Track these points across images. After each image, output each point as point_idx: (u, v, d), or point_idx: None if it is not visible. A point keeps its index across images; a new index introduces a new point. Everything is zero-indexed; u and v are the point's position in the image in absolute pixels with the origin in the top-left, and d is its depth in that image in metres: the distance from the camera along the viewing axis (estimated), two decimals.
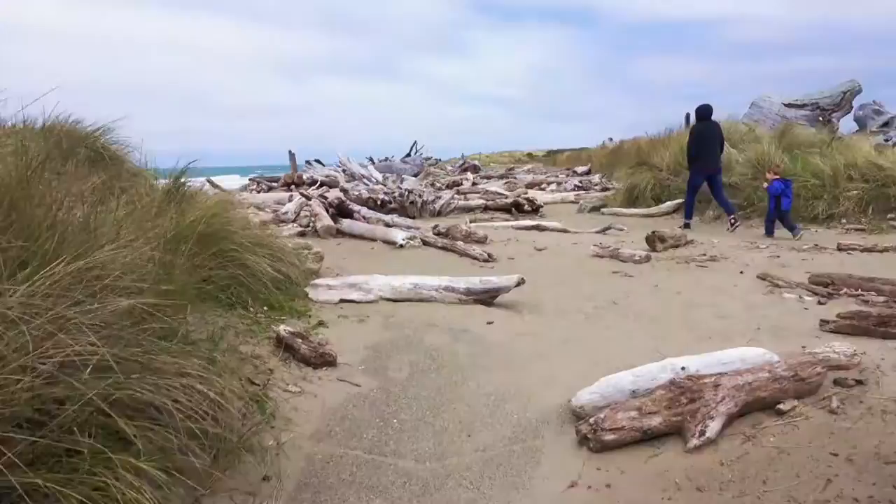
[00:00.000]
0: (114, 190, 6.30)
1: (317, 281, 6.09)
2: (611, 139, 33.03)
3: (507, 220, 12.58)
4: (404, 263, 8.22)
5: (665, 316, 5.28)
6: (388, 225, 10.81)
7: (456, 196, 13.10)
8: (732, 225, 10.65)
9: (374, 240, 10.00)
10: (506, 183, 20.84)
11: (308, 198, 13.13)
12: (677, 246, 8.48)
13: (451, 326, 5.11)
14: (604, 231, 10.22)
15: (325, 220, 10.89)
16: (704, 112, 11.17)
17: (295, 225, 11.51)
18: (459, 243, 8.63)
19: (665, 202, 12.64)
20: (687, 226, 10.94)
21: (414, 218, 12.67)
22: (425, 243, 9.29)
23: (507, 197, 14.60)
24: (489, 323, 5.18)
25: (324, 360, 4.40)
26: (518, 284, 5.68)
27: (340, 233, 10.78)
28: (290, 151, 22.83)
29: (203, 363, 3.08)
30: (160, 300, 3.08)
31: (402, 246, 9.13)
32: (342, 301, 5.87)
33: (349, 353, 4.67)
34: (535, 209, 13.53)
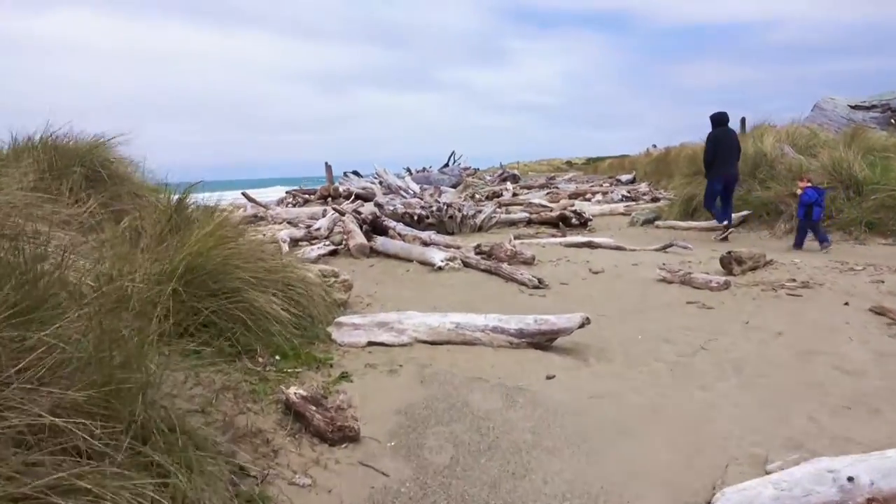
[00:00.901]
0: (106, 216, 5.45)
1: (341, 319, 5.11)
2: (654, 146, 31.58)
3: (553, 235, 11.48)
4: (443, 289, 7.21)
5: (774, 370, 4.14)
6: (425, 243, 9.82)
7: (498, 210, 12.06)
8: (721, 239, 10.34)
9: (410, 260, 9.02)
10: (548, 193, 19.70)
11: (341, 213, 12.25)
12: (756, 268, 7.28)
13: (503, 381, 4.07)
14: (665, 249, 9.05)
15: (358, 238, 9.96)
16: (721, 118, 10.79)
17: (327, 242, 10.62)
18: (504, 266, 7.58)
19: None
20: (727, 228, 10.47)
21: (453, 234, 11.67)
22: (466, 265, 8.26)
23: (552, 210, 13.49)
24: (550, 377, 4.12)
25: (343, 435, 3.41)
26: (582, 325, 4.61)
27: (374, 251, 9.84)
28: (326, 163, 22.11)
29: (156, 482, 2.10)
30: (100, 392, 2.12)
31: (440, 268, 8.12)
32: (370, 344, 4.88)
33: (376, 420, 3.67)
34: (584, 223, 12.39)
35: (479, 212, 11.95)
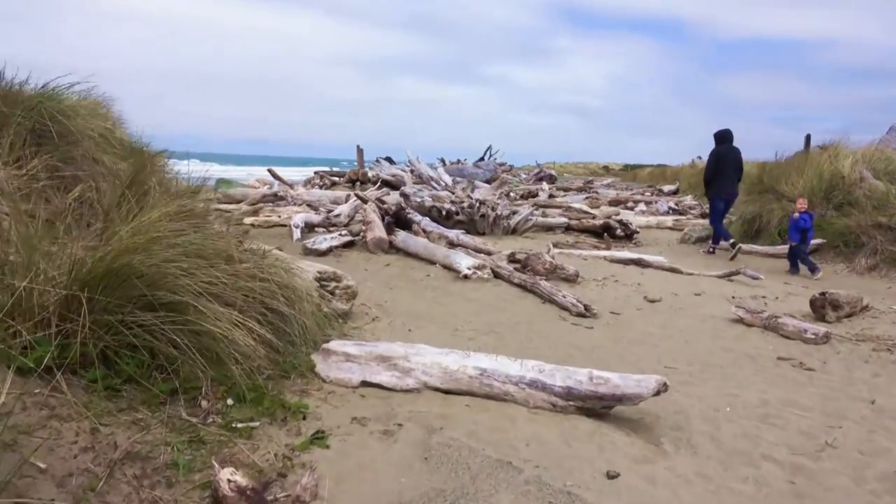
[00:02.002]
0: (54, 182, 4.21)
1: (332, 345, 3.81)
2: (700, 157, 29.71)
3: (596, 246, 10.05)
4: (467, 305, 5.88)
5: None
6: (451, 244, 8.49)
7: (535, 212, 10.69)
8: (708, 253, 10.16)
9: (432, 262, 7.70)
10: (587, 198, 18.20)
11: (364, 200, 10.97)
12: (853, 314, 5.81)
13: (542, 475, 2.73)
14: (730, 277, 7.59)
15: (378, 232, 8.67)
16: (725, 136, 10.35)
17: (344, 231, 9.34)
18: (543, 283, 6.22)
19: None
20: (733, 246, 9.64)
21: (483, 234, 10.32)
22: (496, 275, 6.92)
23: (594, 217, 12.04)
24: (612, 476, 2.76)
25: None
26: (657, 393, 3.23)
27: (394, 247, 8.55)
28: (357, 146, 20.87)
29: None
30: None
31: (466, 277, 6.79)
32: (365, 384, 3.58)
33: None
34: (630, 235, 10.94)
35: (515, 213, 10.58)
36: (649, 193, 22.42)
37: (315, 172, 20.78)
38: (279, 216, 11.40)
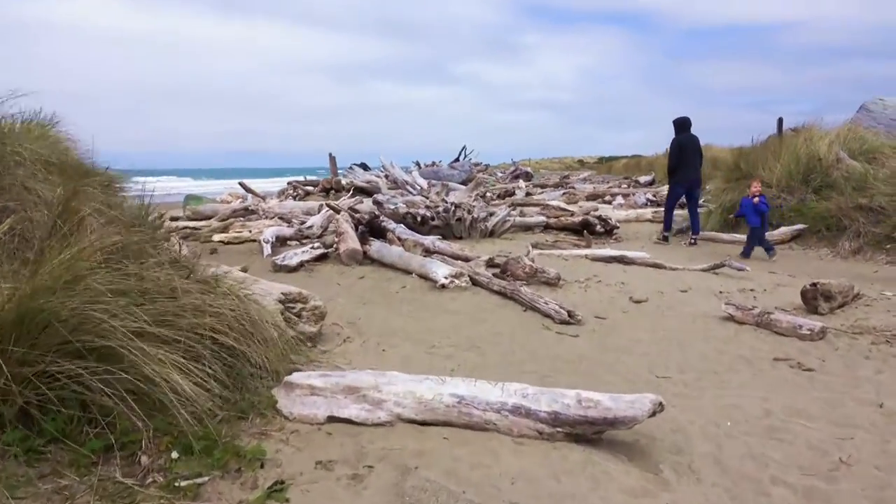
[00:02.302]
0: None
1: (295, 378, 3.44)
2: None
3: (576, 244, 9.76)
4: (446, 318, 5.54)
5: None
6: (428, 251, 8.15)
7: (512, 212, 10.38)
8: (690, 245, 10.05)
9: (408, 272, 7.35)
10: (564, 193, 17.94)
11: (336, 210, 10.58)
12: (845, 304, 5.56)
13: None
14: (715, 269, 7.32)
15: (350, 243, 8.29)
16: (685, 123, 10.34)
17: (317, 244, 8.94)
18: (524, 289, 5.89)
19: (778, 227, 9.62)
20: (665, 238, 10.41)
21: (461, 238, 9.99)
22: (475, 283, 6.59)
23: (572, 213, 11.76)
24: None
25: None
26: (653, 414, 2.91)
27: (369, 257, 8.19)
28: (329, 154, 20.45)
29: None
30: None
31: (443, 286, 6.45)
32: (332, 420, 3.22)
33: None
34: (610, 230, 10.67)
35: (492, 214, 10.25)
36: (626, 185, 22.27)
37: (288, 183, 20.30)
38: (250, 231, 10.97)
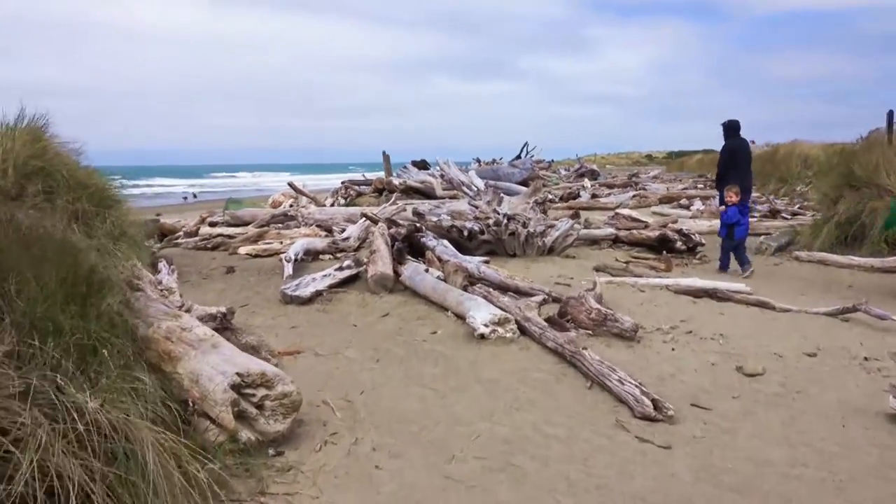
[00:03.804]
0: None
1: None
2: (753, 142, 26.83)
3: (653, 267, 7.90)
4: (476, 394, 3.90)
5: None
6: (471, 277, 6.49)
7: (577, 225, 8.59)
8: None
9: (444, 308, 5.76)
10: (634, 195, 15.91)
11: (374, 221, 9.09)
12: None
13: None
14: (843, 315, 5.38)
15: (380, 266, 6.75)
16: (737, 126, 8.87)
17: (348, 262, 7.42)
18: (589, 354, 4.15)
19: None
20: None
21: (514, 255, 8.30)
22: (523, 331, 4.92)
23: (646, 225, 9.86)
24: None
25: None
26: None
27: (400, 283, 6.64)
28: (383, 153, 19.08)
29: None
30: None
31: (482, 336, 4.82)
32: None
33: None
34: (692, 248, 8.75)
35: (551, 227, 8.50)
36: (702, 186, 19.89)
37: (342, 183, 19.00)
38: (281, 242, 9.63)
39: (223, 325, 4.87)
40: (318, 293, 6.28)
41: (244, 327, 5.11)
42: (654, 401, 3.50)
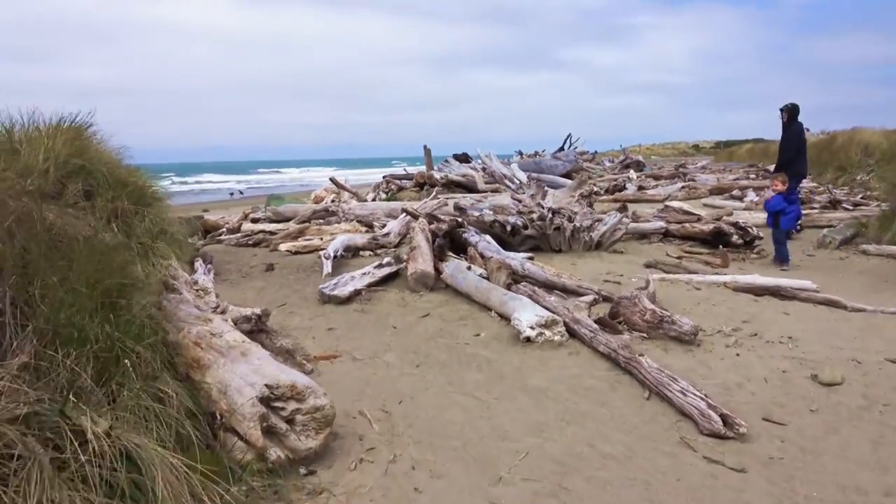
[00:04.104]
0: None
1: None
2: (808, 129, 25.60)
3: (708, 262, 7.43)
4: (524, 405, 3.60)
5: None
6: (514, 275, 6.18)
7: (625, 219, 8.15)
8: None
9: (487, 308, 5.46)
10: (683, 187, 15.26)
11: (414, 216, 8.84)
12: None
13: None
14: None
15: (420, 263, 6.50)
16: (798, 110, 8.57)
17: (388, 259, 7.19)
18: (646, 361, 3.79)
19: None
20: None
21: (559, 251, 7.94)
22: (573, 334, 4.59)
23: (699, 218, 9.34)
24: None
25: None
26: None
27: (442, 281, 6.37)
28: (424, 147, 18.82)
29: None
30: None
31: (528, 339, 4.50)
32: None
33: None
34: (749, 242, 8.21)
35: (598, 222, 8.09)
36: (754, 176, 19.02)
37: (384, 177, 18.83)
38: (322, 238, 9.47)
39: (258, 327, 4.69)
40: (357, 292, 6.05)
41: (280, 329, 4.92)
42: (722, 416, 3.13)
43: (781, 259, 7.39)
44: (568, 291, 5.91)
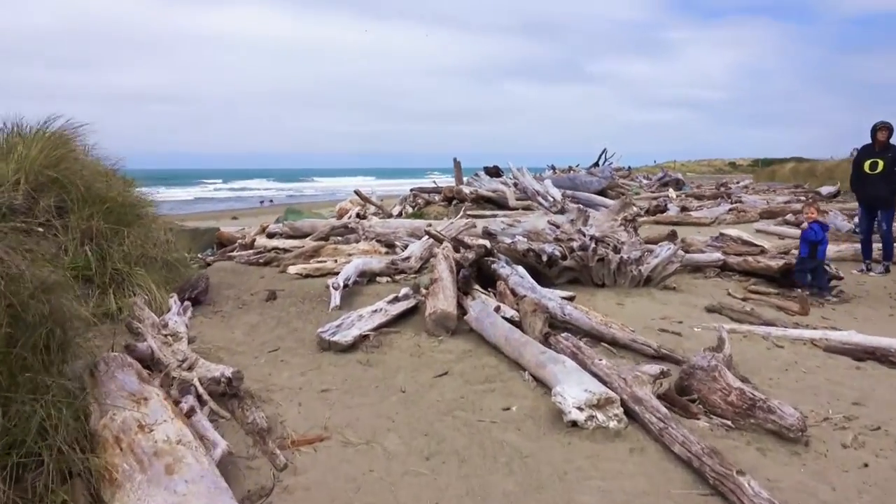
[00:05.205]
0: None
1: None
2: (857, 149, 23.86)
3: (782, 306, 6.16)
4: None
5: None
6: (552, 319, 5.04)
7: (680, 252, 6.92)
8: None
9: (518, 365, 4.34)
10: (731, 209, 13.89)
11: (438, 240, 7.75)
12: None
13: None
14: None
15: (441, 301, 5.40)
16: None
17: (405, 292, 6.11)
18: (746, 485, 2.61)
19: None
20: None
21: (602, 285, 6.78)
22: (632, 417, 3.43)
23: (762, 250, 8.07)
24: None
25: None
26: None
27: (465, 322, 5.26)
28: (454, 159, 17.78)
29: None
30: None
31: (574, 424, 3.36)
32: None
33: None
34: (827, 281, 6.89)
35: (649, 253, 6.89)
36: (804, 197, 17.49)
37: (411, 190, 17.80)
38: (336, 260, 8.43)
39: (229, 390, 3.64)
40: (363, 337, 4.97)
41: (260, 391, 3.86)
42: None
43: (822, 287, 6.65)
44: (618, 345, 4.75)
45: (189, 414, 3.01)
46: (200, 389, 3.54)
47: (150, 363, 3.88)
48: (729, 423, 3.41)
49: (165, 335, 4.19)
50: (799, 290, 6.60)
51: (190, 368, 3.75)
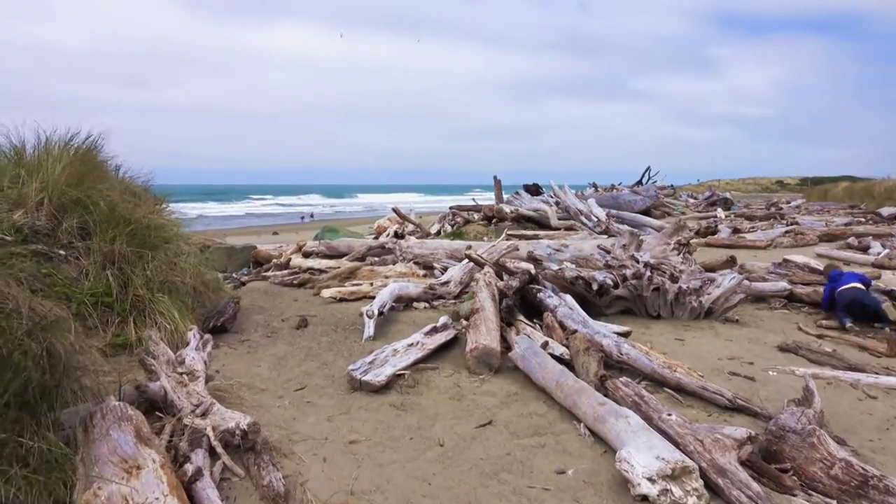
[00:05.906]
0: None
1: None
2: None
3: (861, 345, 5.43)
4: None
5: None
6: (607, 358, 4.47)
7: (745, 282, 6.25)
8: None
9: (571, 414, 3.79)
10: (787, 232, 12.99)
11: (479, 264, 7.25)
12: None
13: None
14: None
15: (483, 336, 4.88)
16: None
17: (443, 322, 5.64)
18: None
19: None
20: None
21: (658, 317, 6.16)
22: (713, 491, 2.83)
23: None
24: None
25: None
26: None
27: (509, 359, 4.72)
28: (494, 177, 17.29)
29: None
30: None
31: (644, 498, 2.79)
32: None
33: None
34: None
35: (711, 283, 6.23)
36: (864, 219, 16.39)
37: (450, 208, 17.35)
38: (371, 283, 8.00)
39: (245, 444, 3.19)
40: (393, 377, 4.47)
41: (281, 441, 3.41)
42: None
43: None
44: (683, 391, 4.15)
45: (194, 479, 2.56)
46: (214, 441, 3.10)
47: (163, 405, 3.48)
48: (833, 501, 2.79)
49: (181, 373, 3.78)
50: (887, 327, 5.85)
51: (204, 415, 3.32)
